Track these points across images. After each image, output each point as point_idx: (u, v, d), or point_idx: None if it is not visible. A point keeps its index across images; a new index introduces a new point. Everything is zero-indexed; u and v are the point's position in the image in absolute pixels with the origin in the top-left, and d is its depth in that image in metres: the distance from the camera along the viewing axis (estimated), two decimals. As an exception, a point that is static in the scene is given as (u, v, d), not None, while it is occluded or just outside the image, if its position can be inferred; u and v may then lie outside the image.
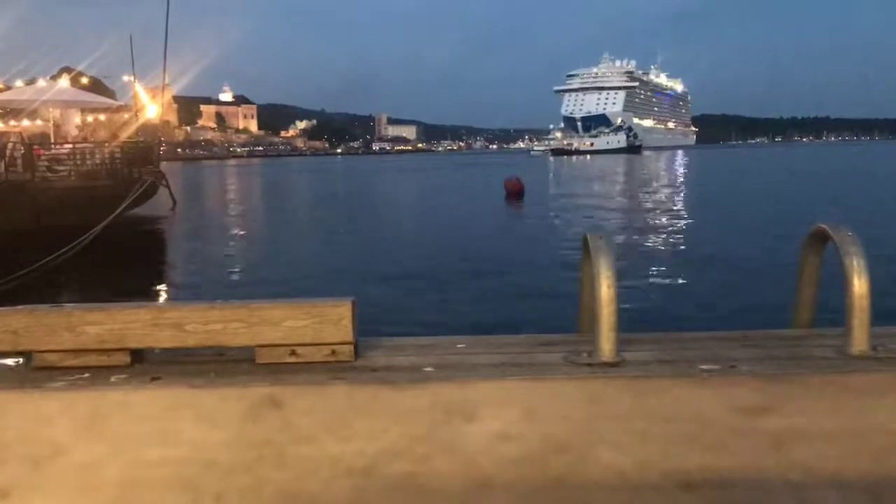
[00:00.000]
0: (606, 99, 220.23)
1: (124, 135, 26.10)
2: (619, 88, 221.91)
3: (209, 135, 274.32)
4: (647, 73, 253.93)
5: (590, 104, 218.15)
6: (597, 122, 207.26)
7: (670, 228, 19.13)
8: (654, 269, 12.73)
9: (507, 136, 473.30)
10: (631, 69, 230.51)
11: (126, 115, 32.46)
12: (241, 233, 21.61)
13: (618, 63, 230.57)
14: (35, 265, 11.11)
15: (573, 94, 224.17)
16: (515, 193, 31.38)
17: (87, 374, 1.92)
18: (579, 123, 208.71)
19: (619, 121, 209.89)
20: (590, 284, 2.06)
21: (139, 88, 30.36)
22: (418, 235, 19.49)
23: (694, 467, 1.72)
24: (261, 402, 1.77)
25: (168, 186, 24.60)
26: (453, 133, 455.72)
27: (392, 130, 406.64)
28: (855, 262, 1.97)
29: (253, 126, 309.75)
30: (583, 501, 1.72)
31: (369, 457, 1.73)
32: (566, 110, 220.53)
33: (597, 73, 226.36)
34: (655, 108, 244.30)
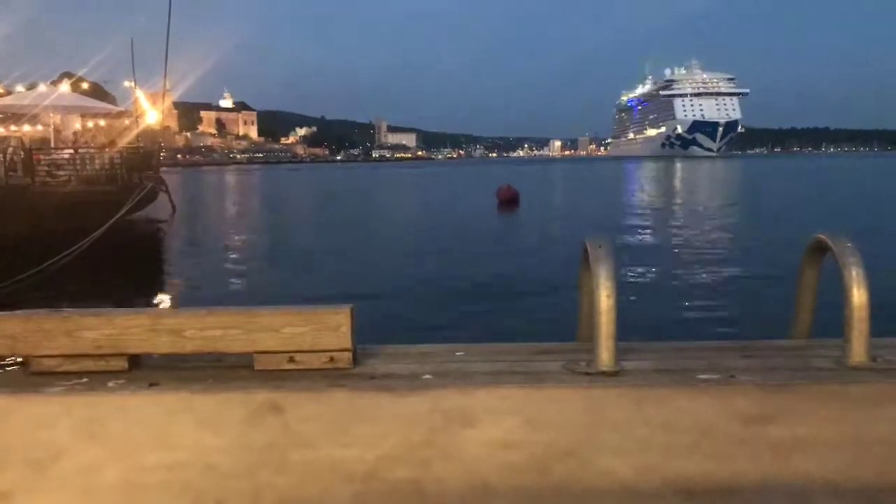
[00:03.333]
0: (725, 105, 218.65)
1: (124, 140, 26.12)
2: (732, 94, 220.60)
3: (209, 141, 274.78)
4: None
5: (709, 110, 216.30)
6: (728, 128, 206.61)
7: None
8: (653, 277, 12.73)
9: (507, 144, 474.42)
10: (733, 76, 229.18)
11: (126, 121, 32.50)
12: (241, 239, 21.60)
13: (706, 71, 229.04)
14: (34, 270, 11.10)
15: (687, 100, 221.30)
16: (508, 201, 31.19)
17: (84, 380, 1.92)
18: (721, 128, 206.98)
19: (740, 128, 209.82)
20: (589, 293, 2.06)
21: (140, 94, 30.40)
22: (420, 242, 19.49)
23: (694, 475, 1.72)
24: (261, 407, 1.76)
25: (168, 192, 24.62)
26: (452, 141, 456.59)
27: (392, 138, 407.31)
28: (854, 273, 1.97)
29: (253, 132, 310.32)
30: None
31: (369, 462, 1.72)
32: (685, 114, 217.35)
33: (705, 80, 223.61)
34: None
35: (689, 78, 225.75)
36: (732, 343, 2.26)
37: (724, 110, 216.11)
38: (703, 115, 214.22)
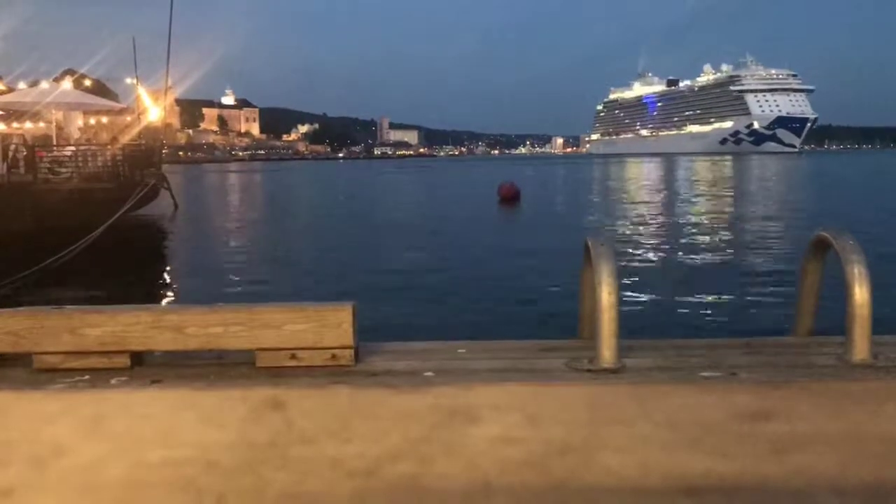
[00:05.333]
0: (798, 101, 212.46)
1: (126, 137, 26.14)
2: (800, 90, 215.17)
3: (211, 138, 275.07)
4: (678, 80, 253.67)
5: (784, 105, 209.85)
6: (812, 124, 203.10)
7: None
8: (654, 274, 12.72)
9: (509, 141, 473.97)
10: (794, 72, 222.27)
11: (128, 118, 32.53)
12: (243, 236, 21.62)
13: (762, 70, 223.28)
14: (36, 267, 11.12)
15: (761, 95, 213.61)
16: (510, 198, 31.32)
17: (87, 377, 1.92)
18: (809, 124, 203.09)
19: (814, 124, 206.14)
20: (591, 290, 2.06)
21: (142, 91, 30.40)
22: (420, 240, 19.49)
23: (696, 472, 1.72)
24: (263, 404, 1.77)
25: (170, 189, 24.64)
26: (454, 138, 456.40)
27: (393, 135, 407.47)
28: (856, 271, 1.97)
29: (255, 129, 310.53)
30: None
31: (371, 459, 1.73)
32: (761, 110, 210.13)
33: (772, 75, 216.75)
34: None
35: (754, 73, 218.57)
36: (734, 340, 2.26)
37: (797, 106, 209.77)
38: (780, 111, 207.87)
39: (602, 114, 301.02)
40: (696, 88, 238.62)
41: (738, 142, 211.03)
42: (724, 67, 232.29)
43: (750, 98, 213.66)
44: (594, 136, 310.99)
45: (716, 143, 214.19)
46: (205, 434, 1.75)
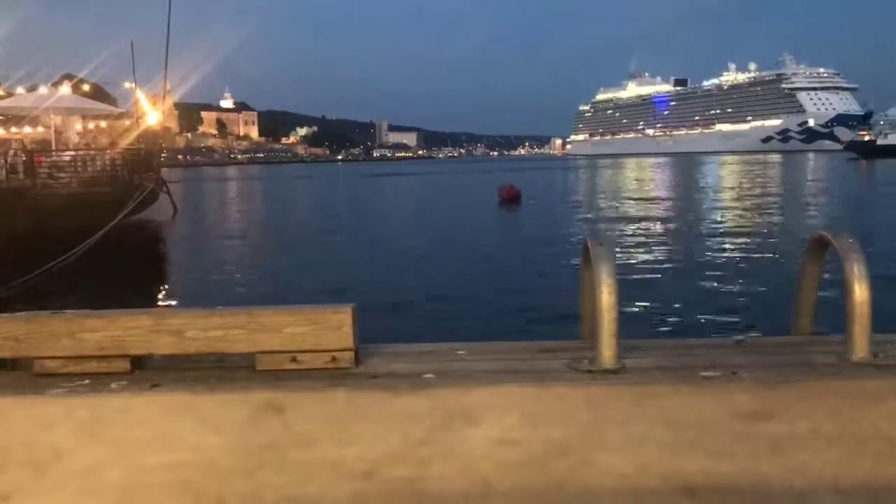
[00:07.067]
0: (846, 99, 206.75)
1: (125, 141, 26.18)
2: (846, 89, 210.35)
3: (210, 141, 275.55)
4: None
5: (837, 103, 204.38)
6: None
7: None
8: (655, 275, 12.72)
9: (508, 142, 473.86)
10: (831, 71, 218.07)
11: (127, 122, 32.56)
12: (242, 239, 21.62)
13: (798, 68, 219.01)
14: (36, 272, 11.11)
15: (815, 93, 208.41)
16: (509, 200, 31.49)
17: (87, 381, 1.92)
18: (878, 120, 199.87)
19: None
20: (590, 291, 2.06)
21: (140, 95, 30.42)
22: (419, 240, 19.49)
23: (695, 472, 1.72)
24: (262, 407, 1.77)
25: (169, 193, 24.66)
26: (453, 140, 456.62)
27: (393, 137, 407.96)
28: (856, 269, 1.97)
29: (254, 133, 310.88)
30: None
31: (370, 461, 1.73)
32: (816, 108, 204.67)
33: (820, 73, 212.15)
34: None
35: (796, 71, 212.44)
36: (734, 339, 2.26)
37: (848, 104, 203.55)
38: (834, 109, 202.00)
39: (588, 114, 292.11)
40: (726, 87, 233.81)
41: (785, 140, 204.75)
42: (752, 66, 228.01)
43: (803, 96, 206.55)
44: (579, 137, 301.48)
45: (756, 142, 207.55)
46: (204, 438, 1.75)
